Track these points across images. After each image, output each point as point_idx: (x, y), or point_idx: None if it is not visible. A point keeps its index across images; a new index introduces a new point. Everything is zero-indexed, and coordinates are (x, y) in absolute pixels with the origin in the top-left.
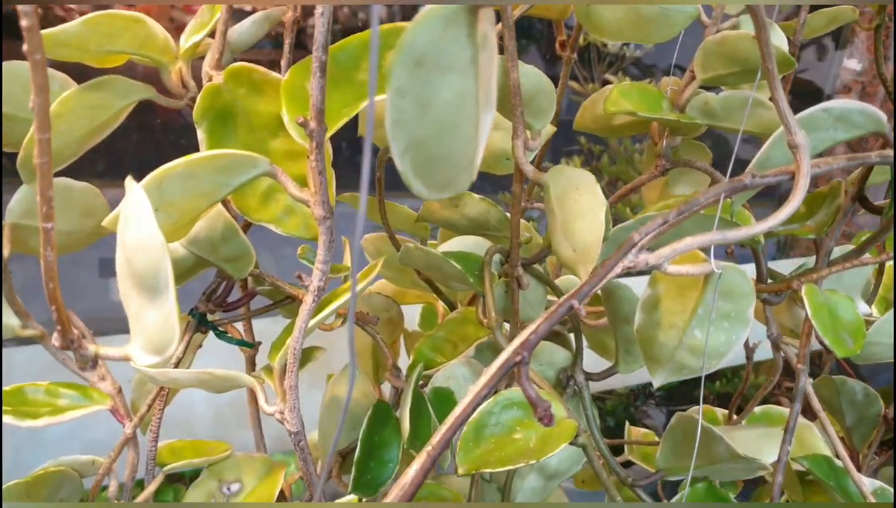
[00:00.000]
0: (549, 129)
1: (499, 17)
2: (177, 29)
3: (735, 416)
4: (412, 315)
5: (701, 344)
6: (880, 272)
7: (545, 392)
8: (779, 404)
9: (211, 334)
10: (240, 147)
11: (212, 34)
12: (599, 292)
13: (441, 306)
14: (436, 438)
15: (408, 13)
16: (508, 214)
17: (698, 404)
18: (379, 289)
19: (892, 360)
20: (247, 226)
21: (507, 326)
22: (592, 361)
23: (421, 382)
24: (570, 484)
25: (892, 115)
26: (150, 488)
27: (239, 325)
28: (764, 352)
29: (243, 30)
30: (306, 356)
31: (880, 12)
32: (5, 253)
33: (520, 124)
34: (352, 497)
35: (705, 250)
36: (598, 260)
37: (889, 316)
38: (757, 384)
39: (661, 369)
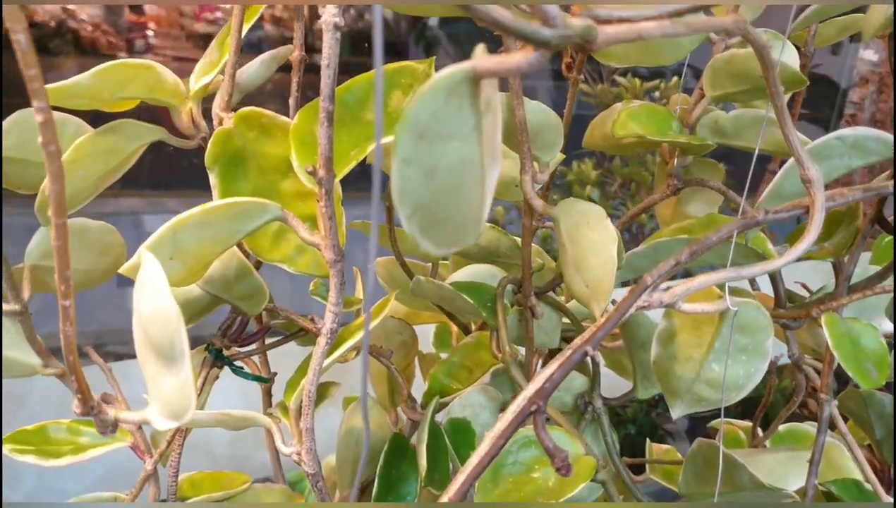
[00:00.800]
0: (558, 158)
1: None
2: (187, 37)
3: (759, 430)
4: (426, 332)
5: (719, 377)
6: None
7: (563, 430)
8: (803, 413)
9: None
10: (251, 190)
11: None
12: None
13: (454, 326)
14: (452, 489)
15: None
16: (518, 239)
17: (720, 409)
18: (392, 312)
19: None
20: (259, 264)
21: (521, 350)
22: (609, 381)
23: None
24: None
25: None
26: None
27: (255, 356)
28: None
29: (251, 71)
30: (322, 393)
31: (893, 19)
32: (26, 294)
33: (527, 159)
34: None
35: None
36: (611, 293)
37: None
38: (781, 387)
39: (680, 401)
